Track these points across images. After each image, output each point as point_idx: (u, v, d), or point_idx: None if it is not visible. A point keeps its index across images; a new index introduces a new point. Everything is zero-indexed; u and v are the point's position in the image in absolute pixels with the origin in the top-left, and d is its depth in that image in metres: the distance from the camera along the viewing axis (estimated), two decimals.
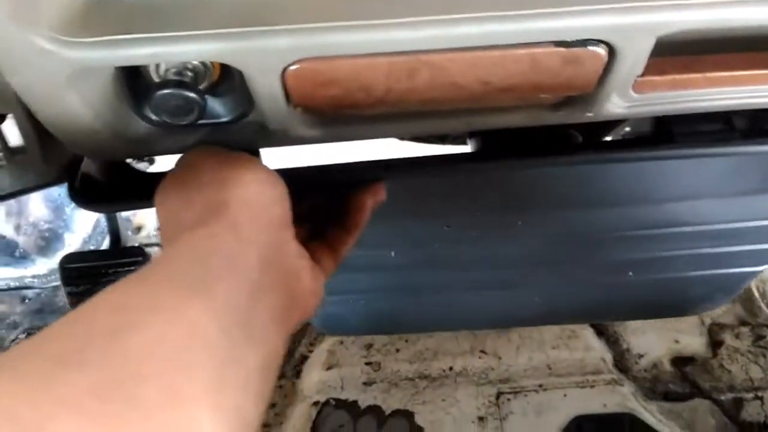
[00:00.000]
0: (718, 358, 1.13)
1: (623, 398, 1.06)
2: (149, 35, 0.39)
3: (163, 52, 0.40)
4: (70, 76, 0.40)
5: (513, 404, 1.09)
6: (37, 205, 1.11)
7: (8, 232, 1.10)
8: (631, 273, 0.89)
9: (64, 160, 0.60)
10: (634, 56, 0.45)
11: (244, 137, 0.50)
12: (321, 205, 0.59)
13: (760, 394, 1.06)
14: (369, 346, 1.21)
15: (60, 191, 1.12)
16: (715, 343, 1.16)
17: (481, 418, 1.07)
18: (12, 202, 1.11)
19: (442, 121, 0.52)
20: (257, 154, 0.53)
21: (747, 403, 1.05)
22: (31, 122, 0.47)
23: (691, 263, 0.90)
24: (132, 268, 0.84)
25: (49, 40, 0.38)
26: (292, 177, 0.49)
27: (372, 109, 0.48)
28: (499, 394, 1.09)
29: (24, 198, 1.11)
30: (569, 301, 0.97)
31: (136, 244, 1.11)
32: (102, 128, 0.44)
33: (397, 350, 1.21)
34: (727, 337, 1.15)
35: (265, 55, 0.40)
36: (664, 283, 0.92)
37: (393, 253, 0.85)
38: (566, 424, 1.02)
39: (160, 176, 0.48)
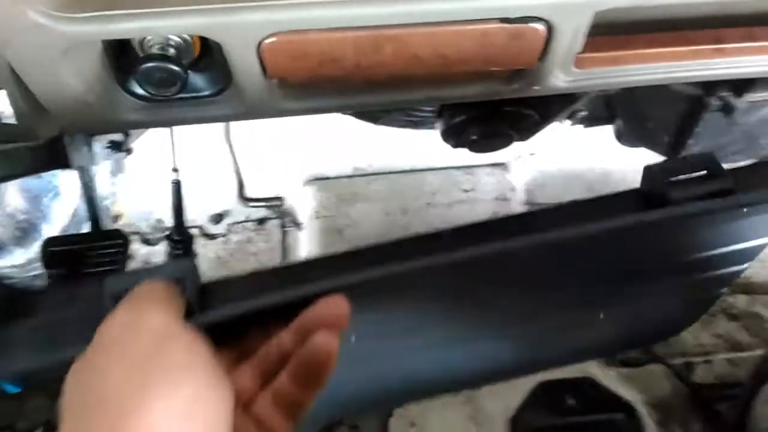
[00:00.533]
0: None
1: (585, 365, 1.12)
2: (135, 11, 0.43)
3: (148, 26, 0.44)
4: (63, 49, 0.44)
5: None
6: (14, 195, 1.13)
7: None
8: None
9: (52, 142, 0.63)
10: (572, 33, 0.50)
11: (223, 110, 0.54)
12: (271, 346, 0.46)
13: (709, 358, 1.14)
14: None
15: (37, 182, 1.14)
16: None
17: None
18: None
19: (408, 92, 0.57)
20: (196, 310, 0.45)
21: (697, 367, 1.13)
22: (23, 97, 0.51)
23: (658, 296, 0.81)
24: (113, 250, 0.87)
25: (44, 15, 0.42)
26: (220, 325, 0.45)
27: (344, 82, 0.53)
28: None
29: (0, 188, 1.13)
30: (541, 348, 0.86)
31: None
32: (93, 101, 0.48)
33: None
34: None
35: (242, 29, 0.45)
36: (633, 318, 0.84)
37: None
38: (532, 389, 1.08)
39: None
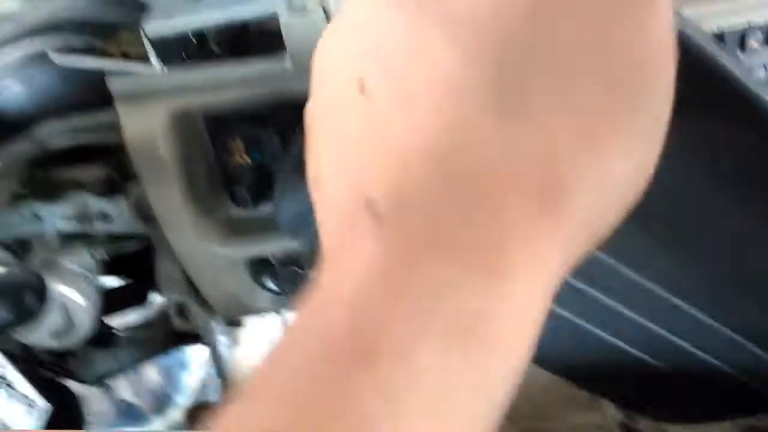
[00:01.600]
0: None
1: None
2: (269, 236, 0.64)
3: (271, 247, 0.64)
4: (226, 264, 0.65)
5: None
6: (150, 370, 1.35)
7: (128, 396, 1.33)
8: None
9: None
10: None
11: None
12: None
13: None
14: None
15: (168, 358, 1.36)
16: None
17: None
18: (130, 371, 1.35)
19: None
20: None
21: None
22: (197, 300, 0.71)
23: None
24: None
25: (217, 247, 0.63)
26: None
27: None
28: None
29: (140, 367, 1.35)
30: None
31: None
32: (238, 295, 0.68)
33: None
34: None
35: None
36: None
37: None
38: None
39: None
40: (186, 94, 0.54)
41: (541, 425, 1.41)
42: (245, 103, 0.56)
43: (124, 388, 1.33)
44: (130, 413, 1.33)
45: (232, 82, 0.54)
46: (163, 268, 0.67)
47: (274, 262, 0.69)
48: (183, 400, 1.36)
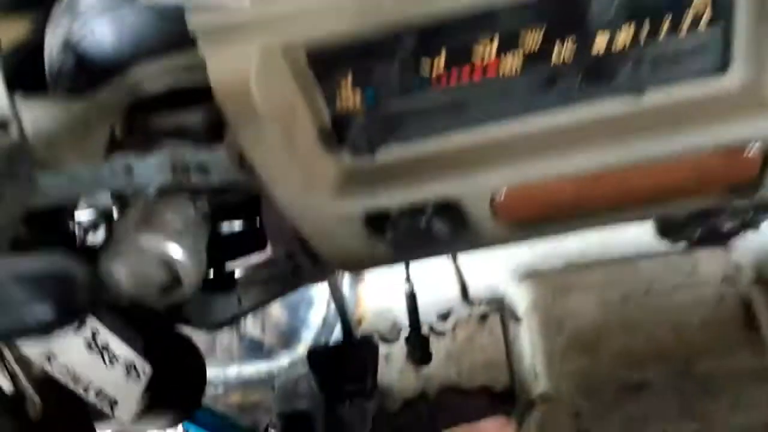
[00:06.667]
0: None
1: None
2: (390, 187, 0.55)
3: (398, 199, 0.55)
4: (340, 220, 0.57)
5: None
6: (276, 308, 1.37)
7: (256, 333, 1.36)
8: None
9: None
10: None
11: (457, 247, 0.64)
12: None
13: None
14: (577, 415, 1.24)
15: (294, 295, 1.36)
16: None
17: None
18: None
19: (622, 214, 0.61)
20: None
21: None
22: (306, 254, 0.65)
23: None
24: (365, 357, 1.01)
25: (328, 199, 0.56)
26: None
27: (562, 215, 0.60)
28: None
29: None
30: None
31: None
32: (356, 249, 0.61)
33: (605, 416, 1.24)
34: None
35: (479, 189, 0.55)
36: None
37: None
38: None
39: None
40: (282, 27, 0.46)
41: (694, 367, 1.31)
42: (358, 31, 0.47)
43: (251, 324, 1.36)
44: (257, 349, 1.36)
45: (339, 7, 0.45)
46: (269, 220, 0.61)
47: (393, 214, 0.61)
48: (309, 335, 1.37)
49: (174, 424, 0.77)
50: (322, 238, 0.61)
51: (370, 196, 0.56)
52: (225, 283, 0.85)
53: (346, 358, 0.99)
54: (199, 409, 0.78)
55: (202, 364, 0.81)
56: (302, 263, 0.72)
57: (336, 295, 1.14)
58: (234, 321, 0.88)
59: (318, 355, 1.05)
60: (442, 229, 0.61)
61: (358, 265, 0.66)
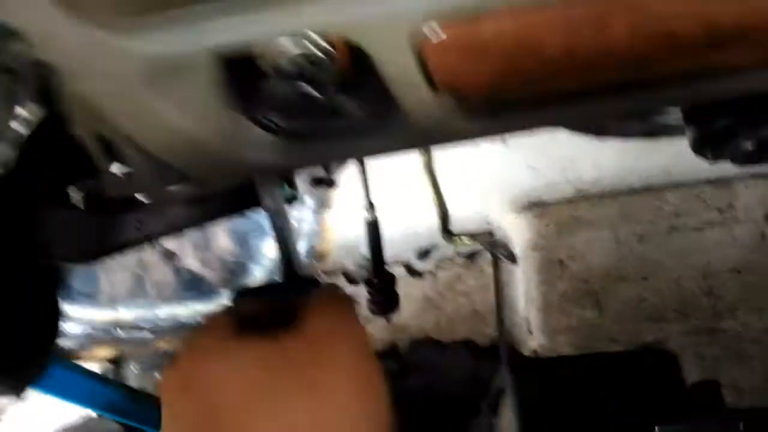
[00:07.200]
0: None
1: None
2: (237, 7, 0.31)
3: (255, 30, 0.31)
4: (148, 73, 0.33)
5: None
6: (223, 237, 1.15)
7: (195, 266, 1.15)
8: None
9: None
10: None
11: (384, 141, 0.40)
12: None
13: None
14: None
15: (245, 222, 1.14)
16: None
17: None
18: (198, 235, 1.15)
19: (647, 93, 0.37)
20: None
21: None
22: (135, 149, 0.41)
23: None
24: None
25: (107, 28, 0.31)
26: None
27: (547, 86, 0.36)
28: None
29: (210, 231, 1.15)
30: None
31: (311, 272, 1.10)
32: (210, 139, 0.37)
33: None
34: None
35: (390, 21, 0.30)
36: None
37: None
38: None
39: None
40: None
41: (721, 325, 1.19)
42: None
43: (190, 256, 1.14)
44: (196, 285, 1.15)
45: None
46: None
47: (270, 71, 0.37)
48: (260, 273, 1.16)
49: (10, 393, 0.55)
50: (135, 116, 0.37)
51: (199, 21, 0.31)
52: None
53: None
54: (50, 369, 0.55)
55: (55, 303, 0.59)
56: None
57: (276, 220, 0.91)
58: (119, 250, 0.67)
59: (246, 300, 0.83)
60: (346, 102, 0.37)
61: (226, 173, 0.42)
